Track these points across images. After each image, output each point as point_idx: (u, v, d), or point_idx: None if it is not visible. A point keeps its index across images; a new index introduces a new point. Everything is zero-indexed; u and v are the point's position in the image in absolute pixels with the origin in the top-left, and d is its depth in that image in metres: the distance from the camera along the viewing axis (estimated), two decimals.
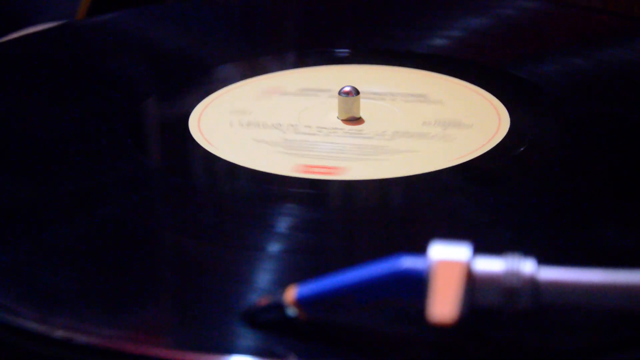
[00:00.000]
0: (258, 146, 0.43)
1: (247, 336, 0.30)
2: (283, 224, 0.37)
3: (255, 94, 0.49)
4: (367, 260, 0.30)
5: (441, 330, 0.28)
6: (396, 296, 0.29)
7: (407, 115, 0.46)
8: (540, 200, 0.38)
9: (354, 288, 0.29)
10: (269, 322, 0.30)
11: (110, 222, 0.37)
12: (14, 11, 0.69)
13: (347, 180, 0.40)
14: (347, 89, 0.45)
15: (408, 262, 0.29)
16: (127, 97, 0.48)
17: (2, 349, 0.31)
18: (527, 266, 0.28)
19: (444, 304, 0.27)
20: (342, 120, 0.46)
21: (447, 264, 0.28)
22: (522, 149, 0.42)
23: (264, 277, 0.34)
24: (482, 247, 0.29)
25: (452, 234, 0.30)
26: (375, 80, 0.50)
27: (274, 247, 0.36)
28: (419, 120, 0.45)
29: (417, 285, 0.28)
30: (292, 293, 0.30)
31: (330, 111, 0.46)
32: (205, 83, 0.50)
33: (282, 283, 0.32)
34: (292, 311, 0.30)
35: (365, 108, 0.46)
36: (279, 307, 0.30)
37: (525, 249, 0.29)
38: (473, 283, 0.28)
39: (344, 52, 0.54)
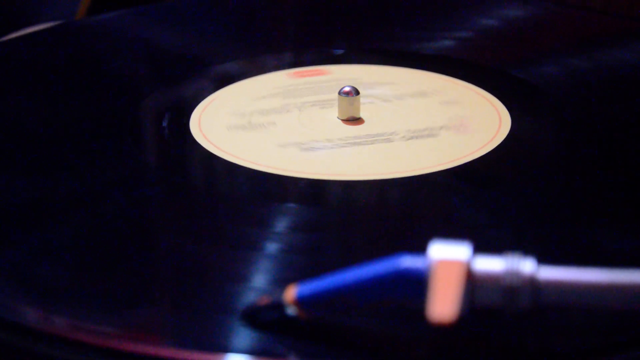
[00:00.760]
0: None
1: (247, 335, 0.30)
2: (283, 224, 0.37)
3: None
4: (367, 259, 0.30)
5: (441, 329, 0.28)
6: (396, 296, 0.29)
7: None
8: (540, 201, 0.38)
9: (354, 287, 0.29)
10: (269, 321, 0.30)
11: (110, 221, 0.37)
12: (14, 11, 0.69)
13: (347, 181, 0.40)
14: (347, 89, 0.45)
15: (408, 262, 0.29)
16: (127, 96, 0.48)
17: (2, 347, 0.31)
18: (526, 266, 0.28)
19: (443, 304, 0.27)
20: (342, 120, 0.46)
21: (447, 264, 0.28)
22: (521, 149, 0.42)
23: (263, 277, 0.34)
24: (481, 247, 0.29)
25: (451, 233, 0.30)
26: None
27: (274, 247, 0.36)
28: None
29: (417, 285, 0.28)
30: (292, 292, 0.30)
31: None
32: (206, 82, 0.50)
33: (281, 283, 0.32)
34: (292, 310, 0.30)
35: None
36: (278, 306, 0.30)
37: (525, 249, 0.29)
38: (473, 283, 0.28)
39: (343, 51, 0.54)
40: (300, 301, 0.30)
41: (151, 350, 0.29)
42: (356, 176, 0.40)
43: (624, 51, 0.53)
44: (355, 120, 0.46)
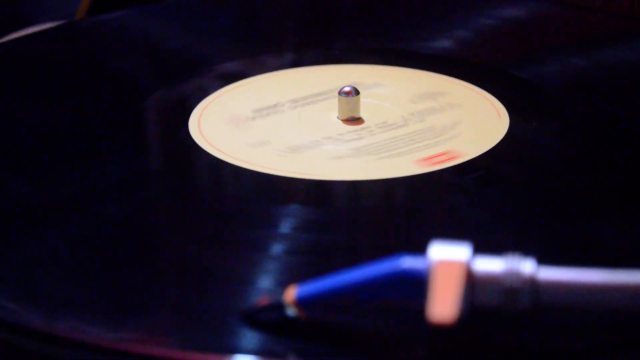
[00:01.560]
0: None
1: (247, 336, 0.30)
2: (283, 225, 0.37)
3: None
4: (367, 260, 0.30)
5: (441, 330, 0.28)
6: (396, 296, 0.29)
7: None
8: (540, 201, 0.38)
9: (354, 288, 0.29)
10: (269, 322, 0.30)
11: (111, 222, 0.37)
12: (14, 11, 0.69)
13: (347, 181, 0.40)
14: (347, 89, 0.45)
15: (408, 262, 0.29)
16: (127, 96, 0.48)
17: (6, 350, 0.31)
18: (526, 266, 0.28)
19: (443, 304, 0.27)
20: (342, 120, 0.46)
21: (447, 264, 0.28)
22: (521, 149, 0.42)
23: (264, 278, 0.34)
24: (481, 247, 0.29)
25: (452, 234, 0.30)
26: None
27: (274, 248, 0.36)
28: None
29: (417, 285, 0.28)
30: (292, 293, 0.30)
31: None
32: (206, 82, 0.50)
33: (282, 283, 0.32)
34: (292, 311, 0.30)
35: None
36: (278, 307, 0.30)
37: (525, 249, 0.29)
38: (473, 283, 0.28)
39: (343, 51, 0.54)
40: (300, 302, 0.30)
41: (152, 351, 0.29)
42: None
43: (624, 51, 0.53)
44: (355, 120, 0.46)
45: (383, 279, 0.29)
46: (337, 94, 0.46)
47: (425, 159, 0.41)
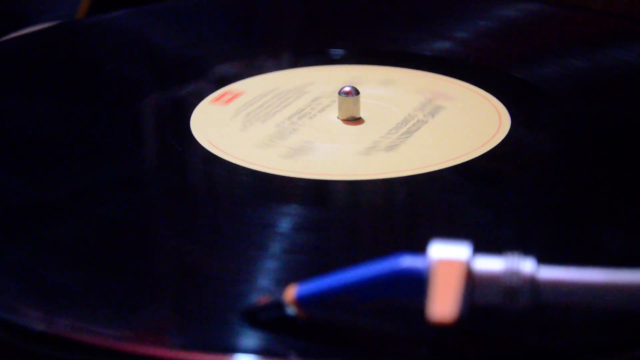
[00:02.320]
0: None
1: (247, 335, 0.30)
2: (283, 224, 0.37)
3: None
4: (367, 259, 0.30)
5: (441, 329, 0.28)
6: (396, 295, 0.29)
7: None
8: (540, 200, 0.38)
9: (354, 287, 0.29)
10: (269, 321, 0.30)
11: (111, 222, 0.37)
12: (14, 11, 0.69)
13: (347, 180, 0.40)
14: (347, 89, 0.45)
15: (408, 261, 0.29)
16: (127, 96, 0.48)
17: (5, 349, 0.31)
18: (526, 265, 0.28)
19: (443, 303, 0.27)
20: (342, 120, 0.46)
21: (447, 263, 0.28)
22: (521, 149, 0.42)
23: (264, 277, 0.34)
24: (481, 247, 0.29)
25: (451, 233, 0.30)
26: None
27: (274, 247, 0.36)
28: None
29: (416, 285, 0.28)
30: (291, 292, 0.30)
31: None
32: (206, 82, 0.50)
33: (282, 282, 0.32)
34: (291, 310, 0.30)
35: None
36: (278, 306, 0.30)
37: (525, 249, 0.29)
38: (473, 282, 0.28)
39: (343, 52, 0.54)
40: (300, 301, 0.30)
41: (151, 351, 0.29)
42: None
43: (624, 51, 0.53)
44: (355, 120, 0.46)
45: (383, 278, 0.29)
46: (337, 94, 0.46)
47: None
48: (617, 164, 0.41)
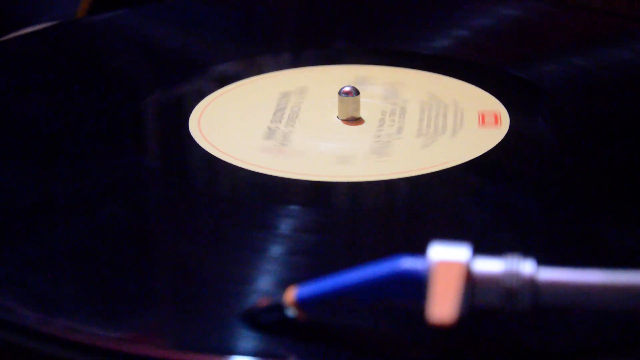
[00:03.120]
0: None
1: (247, 337, 0.30)
2: (283, 226, 0.37)
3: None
4: (367, 261, 0.30)
5: (441, 330, 0.28)
6: (396, 297, 0.29)
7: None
8: (540, 200, 0.38)
9: (354, 289, 0.29)
10: (269, 323, 0.30)
11: (110, 222, 0.37)
12: (14, 11, 0.69)
13: (347, 182, 0.40)
14: (347, 89, 0.45)
15: (408, 263, 0.29)
16: (127, 96, 0.48)
17: (2, 350, 0.31)
18: (526, 267, 0.28)
19: (443, 305, 0.27)
20: (342, 120, 0.46)
21: (447, 265, 0.28)
22: (521, 149, 0.42)
23: (263, 279, 0.34)
24: (481, 248, 0.29)
25: (451, 234, 0.30)
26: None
27: (274, 249, 0.36)
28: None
29: (416, 286, 0.28)
30: (291, 294, 0.30)
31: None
32: (206, 82, 0.50)
33: (282, 284, 0.32)
34: (291, 312, 0.30)
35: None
36: (278, 308, 0.30)
37: (524, 250, 0.29)
38: (473, 284, 0.28)
39: (343, 51, 0.54)
40: (300, 303, 0.30)
41: (151, 352, 0.29)
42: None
43: (624, 51, 0.53)
44: (355, 120, 0.46)
45: (383, 279, 0.29)
46: (337, 94, 0.46)
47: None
48: (617, 163, 0.41)
